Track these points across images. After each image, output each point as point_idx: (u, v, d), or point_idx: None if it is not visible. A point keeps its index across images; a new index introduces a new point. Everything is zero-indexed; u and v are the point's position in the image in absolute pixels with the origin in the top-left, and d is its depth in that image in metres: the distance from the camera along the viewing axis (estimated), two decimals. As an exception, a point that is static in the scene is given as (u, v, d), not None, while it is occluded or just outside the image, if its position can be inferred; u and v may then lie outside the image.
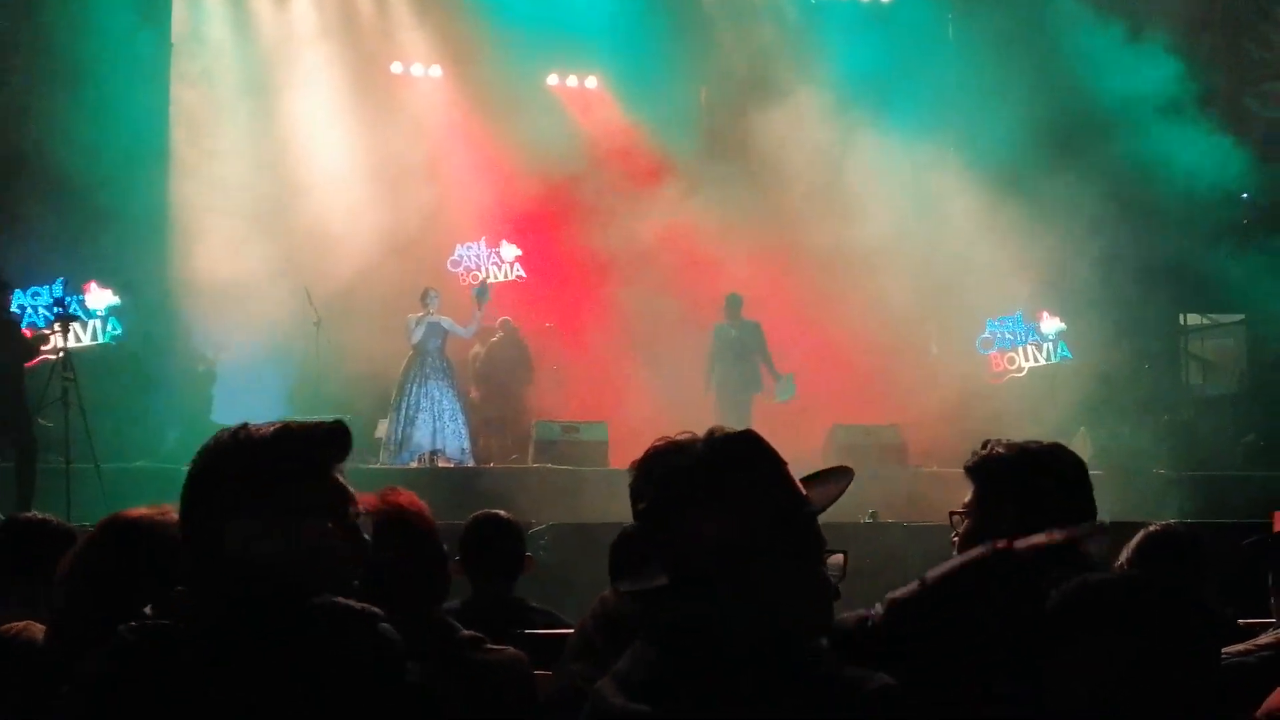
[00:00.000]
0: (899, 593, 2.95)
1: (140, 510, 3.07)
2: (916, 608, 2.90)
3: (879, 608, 2.97)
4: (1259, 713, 2.55)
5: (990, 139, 17.26)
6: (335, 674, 2.34)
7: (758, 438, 2.68)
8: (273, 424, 2.53)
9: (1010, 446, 3.41)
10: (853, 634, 2.92)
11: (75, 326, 14.08)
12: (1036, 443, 3.45)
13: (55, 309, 12.66)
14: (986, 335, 18.72)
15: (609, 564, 3.09)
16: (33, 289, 14.73)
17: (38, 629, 3.21)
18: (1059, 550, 2.90)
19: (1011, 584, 2.73)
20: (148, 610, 2.43)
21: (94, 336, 15.53)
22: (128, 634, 2.38)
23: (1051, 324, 18.51)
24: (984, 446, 3.43)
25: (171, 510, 2.72)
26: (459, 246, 18.77)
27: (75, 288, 14.40)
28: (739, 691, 2.28)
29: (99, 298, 15.54)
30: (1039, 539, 2.78)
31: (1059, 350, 18.51)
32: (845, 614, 2.98)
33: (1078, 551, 2.98)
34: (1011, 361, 18.71)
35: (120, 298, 15.59)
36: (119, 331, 15.67)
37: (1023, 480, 3.32)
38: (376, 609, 2.43)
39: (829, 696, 2.31)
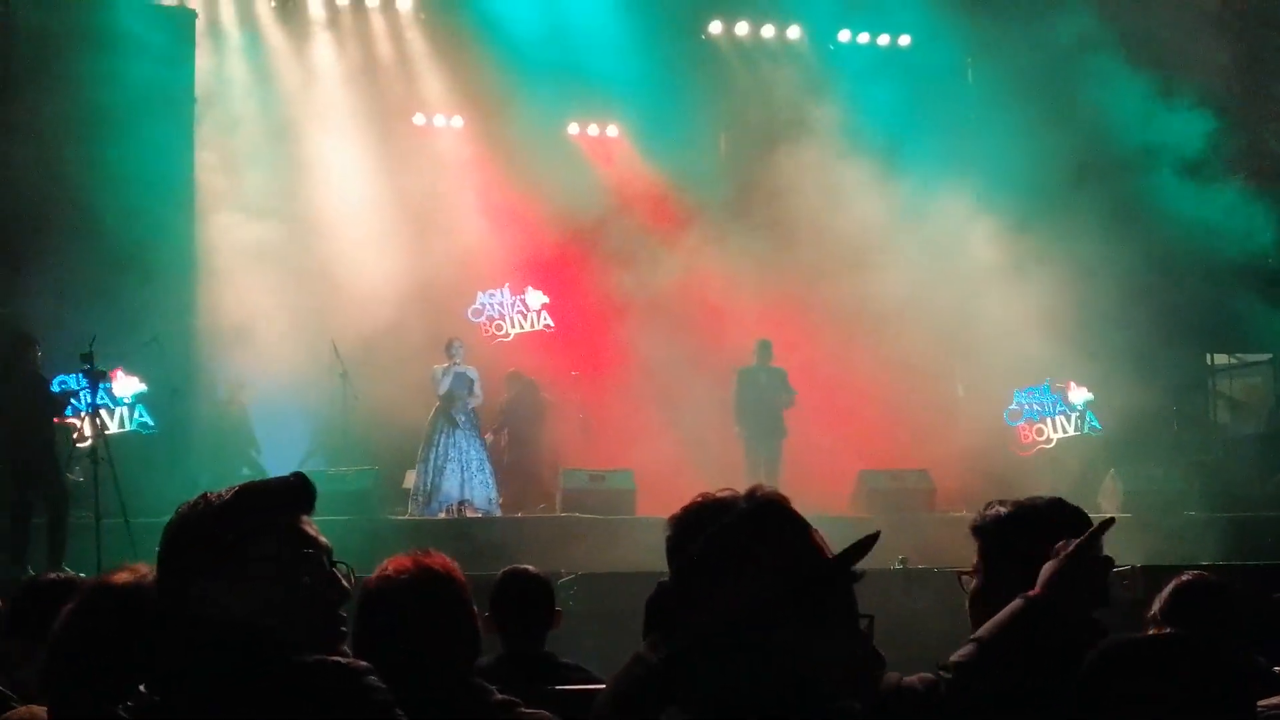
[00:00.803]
0: (960, 655, 2.97)
1: (122, 575, 3.06)
2: (981, 668, 2.92)
3: (945, 673, 2.99)
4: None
5: (1011, 182, 17.31)
6: None
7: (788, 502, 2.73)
8: (232, 488, 2.56)
9: (1011, 505, 3.45)
10: (924, 697, 2.93)
11: (103, 414, 14.07)
12: (1038, 499, 3.48)
13: (84, 368, 12.65)
14: (1014, 407, 18.62)
15: (644, 619, 3.10)
16: (59, 378, 14.62)
17: (40, 712, 3.20)
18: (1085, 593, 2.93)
19: (1060, 629, 2.74)
20: (142, 689, 2.45)
21: (121, 424, 15.54)
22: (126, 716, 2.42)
23: (1079, 394, 18.41)
24: (987, 507, 3.47)
25: (149, 571, 2.78)
26: (480, 294, 18.78)
27: (102, 366, 14.52)
28: None
29: (126, 385, 15.50)
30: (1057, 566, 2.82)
31: (1088, 421, 18.41)
32: (908, 678, 3.01)
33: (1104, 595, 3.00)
34: (1040, 433, 18.61)
35: (146, 384, 15.55)
36: (148, 421, 15.69)
37: (1025, 537, 3.35)
38: (364, 663, 2.44)
39: None
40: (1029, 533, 3.34)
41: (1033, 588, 3.02)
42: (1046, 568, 2.91)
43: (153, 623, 2.52)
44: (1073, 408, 18.49)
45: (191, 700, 2.37)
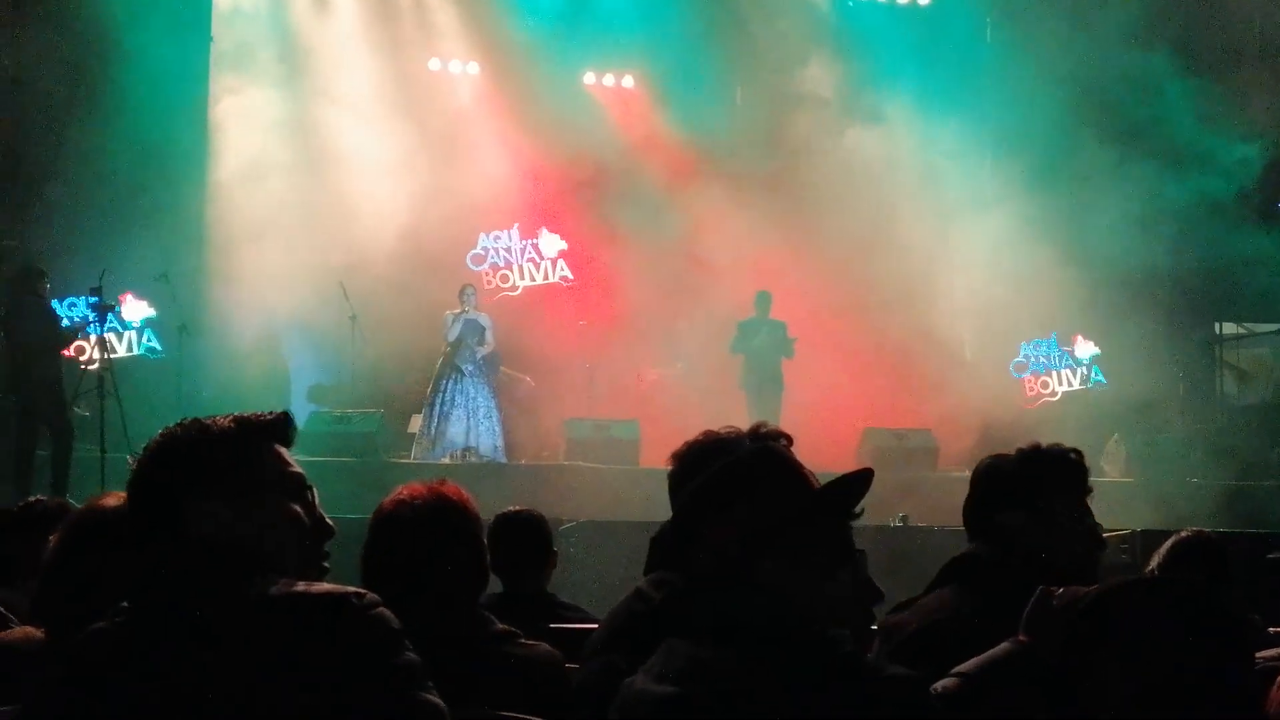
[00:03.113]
0: (943, 687, 2.99)
1: (111, 500, 3.09)
2: (959, 703, 2.94)
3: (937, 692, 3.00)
4: (1271, 704, 2.55)
5: (1026, 145, 17.24)
6: (310, 655, 2.32)
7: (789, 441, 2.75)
8: (225, 416, 2.60)
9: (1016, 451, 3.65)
10: (908, 699, 2.96)
11: (111, 337, 14.12)
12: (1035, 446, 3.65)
13: (91, 301, 12.70)
14: (1020, 359, 18.61)
15: (648, 556, 3.13)
16: (69, 299, 14.73)
17: (36, 633, 3.21)
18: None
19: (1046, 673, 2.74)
20: (124, 605, 2.44)
21: (129, 348, 15.61)
22: (99, 630, 2.40)
23: (1086, 348, 18.38)
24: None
25: None
26: (483, 236, 18.33)
27: (111, 295, 14.45)
28: (767, 682, 2.30)
29: (135, 309, 15.57)
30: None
31: (1093, 375, 18.39)
32: (897, 669, 3.03)
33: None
34: (1045, 386, 18.60)
35: (155, 309, 15.57)
36: (156, 346, 15.72)
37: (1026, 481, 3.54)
38: (375, 595, 2.43)
39: (855, 689, 2.34)
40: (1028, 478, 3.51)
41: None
42: (1033, 611, 2.90)
43: (134, 540, 2.53)
44: (1079, 361, 18.49)
45: (174, 621, 2.36)
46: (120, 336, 15.41)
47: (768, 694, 2.29)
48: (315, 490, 2.64)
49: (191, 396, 14.20)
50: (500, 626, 3.40)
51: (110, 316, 13.53)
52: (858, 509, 2.59)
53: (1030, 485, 3.60)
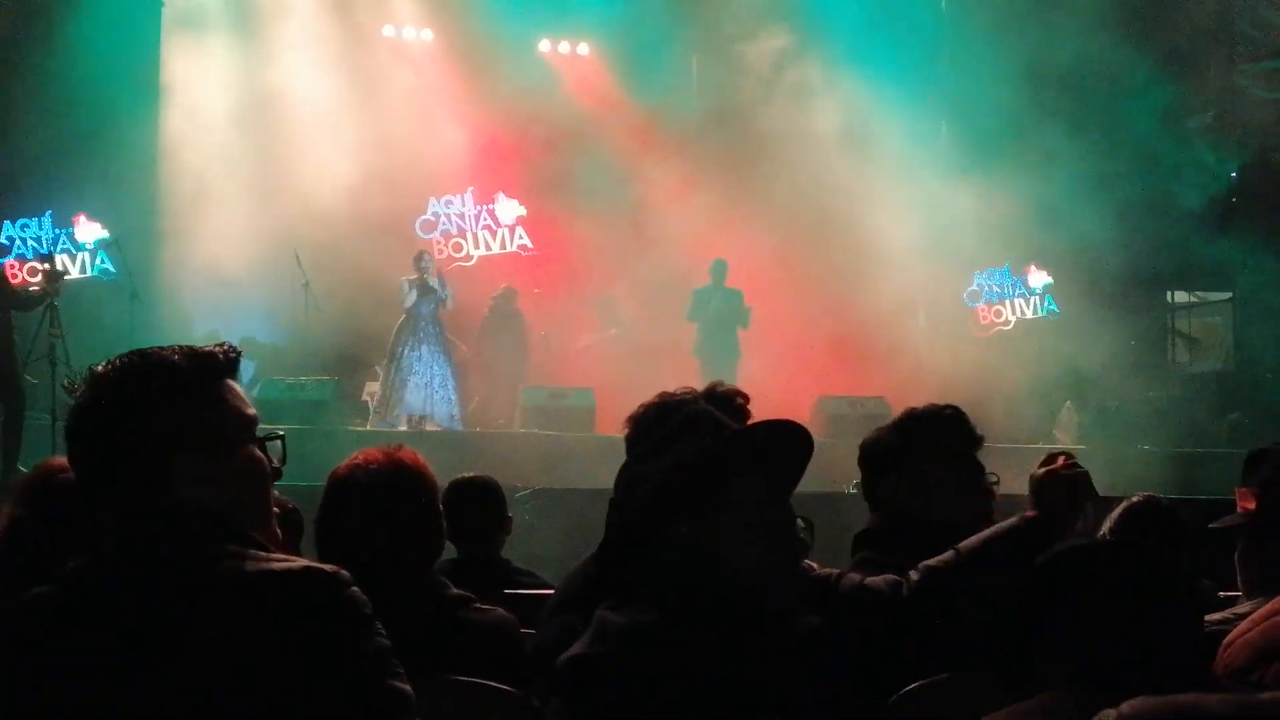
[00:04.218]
0: (934, 561, 3.03)
1: (63, 460, 2.74)
2: (951, 576, 2.97)
3: (914, 575, 3.04)
4: (1218, 666, 2.58)
5: (981, 112, 17.27)
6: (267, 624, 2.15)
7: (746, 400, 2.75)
8: (172, 347, 2.30)
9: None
10: (888, 598, 2.99)
11: (64, 258, 14.03)
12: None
13: (45, 247, 12.58)
14: (974, 288, 18.74)
15: (606, 522, 3.14)
16: (21, 220, 14.61)
17: None
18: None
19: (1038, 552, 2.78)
20: (72, 567, 2.22)
21: (83, 269, 15.39)
22: (38, 594, 2.19)
23: (1039, 278, 18.51)
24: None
25: None
26: (433, 201, 17.78)
27: (64, 220, 14.22)
28: (688, 641, 2.32)
29: (88, 231, 15.32)
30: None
31: (1046, 304, 18.52)
32: (876, 578, 3.06)
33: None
34: (999, 314, 18.72)
35: (110, 231, 15.35)
36: (109, 268, 15.53)
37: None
38: (346, 573, 2.24)
39: (778, 643, 2.34)
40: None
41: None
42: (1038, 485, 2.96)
43: (83, 499, 2.27)
44: (1032, 291, 18.59)
45: (128, 577, 2.17)
46: (74, 259, 15.22)
47: (689, 654, 2.29)
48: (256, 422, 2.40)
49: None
50: (455, 592, 3.39)
51: (64, 234, 13.41)
52: (790, 463, 2.59)
53: (905, 452, 3.64)
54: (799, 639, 2.39)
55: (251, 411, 2.34)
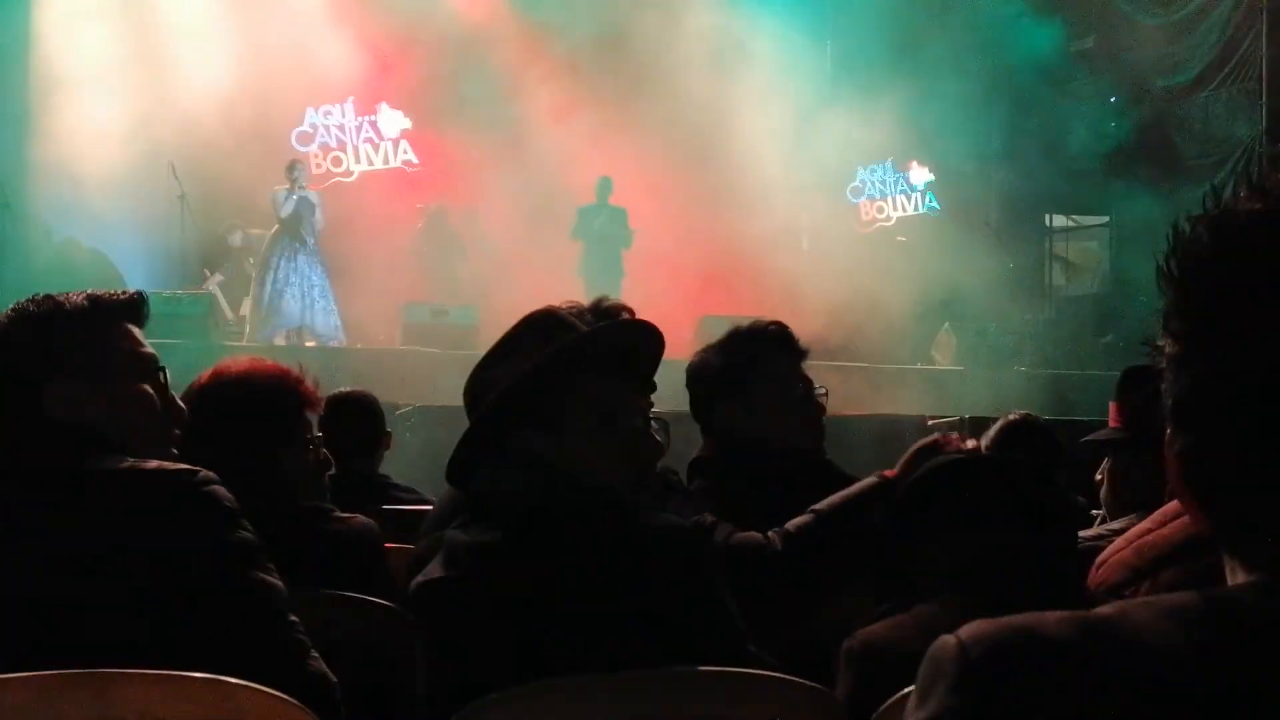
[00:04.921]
0: (793, 524, 3.03)
1: None
2: (810, 537, 2.98)
3: (774, 537, 3.04)
4: (1092, 583, 2.62)
5: (867, 33, 17.33)
6: (149, 526, 2.30)
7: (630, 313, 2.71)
8: (79, 293, 2.58)
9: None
10: (751, 559, 2.99)
11: None
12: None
13: None
14: (856, 183, 18.90)
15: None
16: None
17: None
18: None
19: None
20: None
21: None
22: None
23: (921, 174, 18.75)
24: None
25: None
26: (311, 111, 17.15)
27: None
28: (533, 553, 2.31)
29: None
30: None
31: (927, 201, 18.73)
32: (740, 535, 3.06)
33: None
34: (880, 210, 18.93)
35: None
36: None
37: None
38: (211, 473, 2.39)
39: (630, 544, 2.33)
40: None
41: None
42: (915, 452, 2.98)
43: None
44: (913, 188, 18.81)
45: (23, 496, 2.35)
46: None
47: (539, 567, 2.27)
48: (167, 372, 2.64)
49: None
50: (310, 504, 3.33)
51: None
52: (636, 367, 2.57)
53: (734, 373, 3.56)
54: (652, 535, 2.36)
55: (146, 351, 2.60)
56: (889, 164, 18.82)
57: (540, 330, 2.52)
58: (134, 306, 2.63)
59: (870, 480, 3.10)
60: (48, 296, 2.55)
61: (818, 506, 3.10)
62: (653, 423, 2.59)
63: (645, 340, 2.55)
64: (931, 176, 18.61)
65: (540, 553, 2.28)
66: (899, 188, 18.91)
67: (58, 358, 2.47)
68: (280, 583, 2.38)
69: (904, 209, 18.88)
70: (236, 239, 16.07)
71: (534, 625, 2.22)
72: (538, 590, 2.24)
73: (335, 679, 2.36)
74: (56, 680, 2.05)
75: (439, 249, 16.43)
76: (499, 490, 2.38)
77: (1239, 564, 1.10)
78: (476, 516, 2.39)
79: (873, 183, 18.99)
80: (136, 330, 2.61)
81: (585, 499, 2.35)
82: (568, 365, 2.42)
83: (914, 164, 18.66)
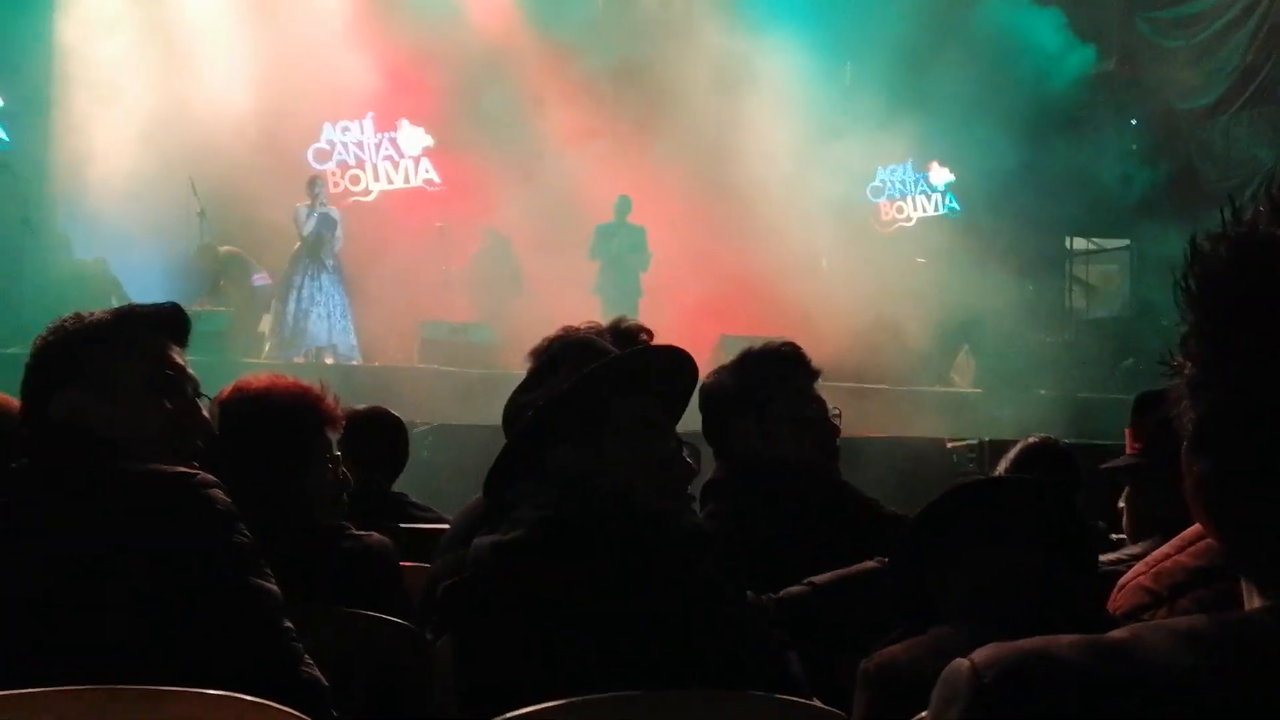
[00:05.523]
0: (789, 592, 3.02)
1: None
2: (801, 609, 2.98)
3: (769, 600, 3.04)
4: (1112, 608, 2.61)
5: (884, 53, 17.31)
6: (151, 528, 2.33)
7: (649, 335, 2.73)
8: (114, 309, 2.64)
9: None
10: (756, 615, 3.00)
11: None
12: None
13: None
14: (876, 183, 18.89)
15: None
16: None
17: None
18: None
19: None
20: None
21: None
22: None
23: (941, 175, 18.72)
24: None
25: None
26: (328, 127, 17.05)
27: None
28: (594, 547, 2.31)
29: None
30: None
31: (947, 201, 18.70)
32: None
33: None
34: (900, 210, 18.90)
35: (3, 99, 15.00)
36: (4, 137, 15.15)
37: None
38: (210, 476, 2.42)
39: (673, 541, 2.35)
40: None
41: None
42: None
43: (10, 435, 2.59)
44: (934, 188, 18.77)
45: (26, 497, 2.39)
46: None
47: (562, 563, 2.28)
48: (198, 386, 2.67)
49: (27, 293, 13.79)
50: (327, 522, 3.33)
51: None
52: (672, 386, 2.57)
53: (747, 394, 3.53)
54: (680, 537, 2.38)
55: (173, 368, 2.61)
56: (909, 164, 18.83)
57: (578, 353, 2.56)
58: (168, 321, 2.65)
59: (868, 565, 3.09)
60: (76, 314, 2.60)
61: (815, 580, 3.08)
62: (684, 446, 2.61)
63: (677, 365, 2.56)
64: (952, 177, 18.61)
65: (566, 555, 2.30)
66: (919, 188, 18.90)
67: (75, 369, 2.50)
68: (276, 588, 2.38)
69: (924, 209, 18.86)
70: (260, 280, 16.03)
71: (559, 627, 2.23)
72: (564, 592, 2.25)
73: (327, 684, 2.36)
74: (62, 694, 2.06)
75: (495, 275, 16.33)
76: (532, 501, 2.40)
77: (1256, 588, 1.09)
78: (503, 526, 2.41)
79: (893, 183, 19.00)
80: (174, 346, 2.63)
81: (613, 504, 2.37)
82: (606, 386, 2.45)
83: (934, 164, 18.66)
